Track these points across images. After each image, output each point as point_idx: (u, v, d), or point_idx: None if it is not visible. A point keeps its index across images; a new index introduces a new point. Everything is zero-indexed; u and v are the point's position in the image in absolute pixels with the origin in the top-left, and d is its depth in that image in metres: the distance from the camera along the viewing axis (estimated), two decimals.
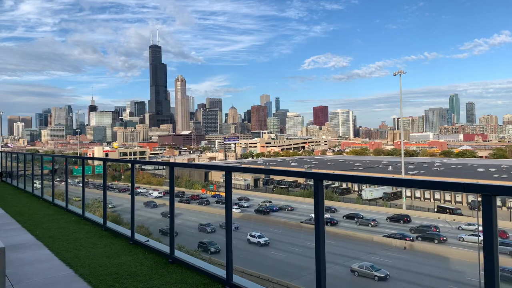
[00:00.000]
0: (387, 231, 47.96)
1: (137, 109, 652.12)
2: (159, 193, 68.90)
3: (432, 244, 42.69)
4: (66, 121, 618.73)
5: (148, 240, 9.78)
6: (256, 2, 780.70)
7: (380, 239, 44.60)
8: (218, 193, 76.54)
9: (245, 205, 64.36)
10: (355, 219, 54.17)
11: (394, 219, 54.22)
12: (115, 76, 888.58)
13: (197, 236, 44.52)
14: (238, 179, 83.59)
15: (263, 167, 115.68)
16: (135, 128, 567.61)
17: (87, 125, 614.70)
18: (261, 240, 42.12)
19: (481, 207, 3.79)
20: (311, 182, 5.93)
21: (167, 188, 72.94)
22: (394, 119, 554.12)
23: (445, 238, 44.23)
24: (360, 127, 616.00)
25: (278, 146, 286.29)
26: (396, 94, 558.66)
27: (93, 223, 12.67)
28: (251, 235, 42.70)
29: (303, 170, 29.15)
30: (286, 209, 61.75)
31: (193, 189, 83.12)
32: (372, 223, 51.75)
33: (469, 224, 50.31)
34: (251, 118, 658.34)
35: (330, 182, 54.83)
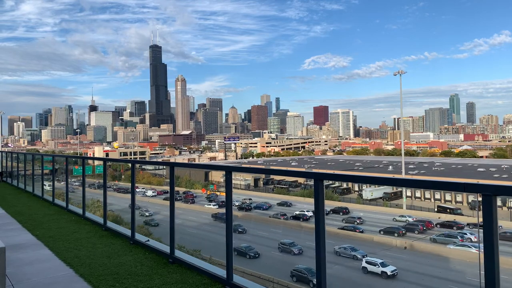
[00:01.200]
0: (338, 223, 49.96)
1: (137, 109, 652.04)
2: (153, 192, 69.29)
3: (431, 244, 42.73)
4: (67, 121, 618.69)
5: (148, 240, 9.78)
6: (256, 2, 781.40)
7: (380, 239, 44.68)
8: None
9: (237, 204, 64.76)
10: (340, 213, 56.94)
11: (336, 211, 58.00)
12: (115, 76, 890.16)
13: (202, 238, 42.06)
14: (239, 179, 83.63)
15: (263, 167, 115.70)
16: (135, 128, 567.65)
17: (87, 125, 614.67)
18: (388, 270, 31.17)
19: (481, 207, 3.79)
20: (312, 182, 5.94)
21: (164, 188, 73.35)
22: (394, 119, 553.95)
23: (404, 232, 46.52)
24: (361, 127, 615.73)
25: (279, 146, 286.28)
26: (396, 94, 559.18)
27: (93, 223, 12.67)
28: (368, 262, 32.58)
29: (303, 170, 29.14)
30: (265, 206, 64.15)
31: (193, 189, 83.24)
32: (358, 221, 52.87)
33: (402, 216, 55.00)
34: (251, 118, 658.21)
35: (331, 182, 55.46)
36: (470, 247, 38.50)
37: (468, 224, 50.62)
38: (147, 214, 46.83)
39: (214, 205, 64.67)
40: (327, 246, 5.34)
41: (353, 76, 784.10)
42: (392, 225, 50.28)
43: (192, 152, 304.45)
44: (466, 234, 44.05)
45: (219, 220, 46.46)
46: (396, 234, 45.85)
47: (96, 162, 21.07)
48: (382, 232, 46.67)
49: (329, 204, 61.24)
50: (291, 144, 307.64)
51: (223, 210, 7.59)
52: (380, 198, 74.59)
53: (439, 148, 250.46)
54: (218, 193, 79.26)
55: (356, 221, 52.44)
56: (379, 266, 31.66)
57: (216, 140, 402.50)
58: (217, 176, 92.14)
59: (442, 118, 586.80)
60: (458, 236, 42.86)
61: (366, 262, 32.69)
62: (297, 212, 56.43)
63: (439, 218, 56.10)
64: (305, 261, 32.49)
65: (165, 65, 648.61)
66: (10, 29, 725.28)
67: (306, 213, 54.68)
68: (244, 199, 67.44)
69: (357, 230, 47.14)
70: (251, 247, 36.98)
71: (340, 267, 33.81)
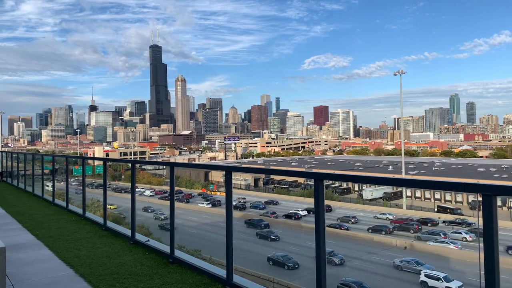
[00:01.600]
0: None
1: (137, 109, 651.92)
2: (151, 191, 69.57)
3: (431, 244, 42.73)
4: (67, 121, 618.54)
5: (148, 240, 9.78)
6: (256, 2, 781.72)
7: (380, 238, 44.66)
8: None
9: (234, 203, 65.22)
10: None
11: None
12: (115, 76, 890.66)
13: (195, 236, 41.64)
14: (239, 179, 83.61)
15: (263, 167, 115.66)
16: (135, 128, 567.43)
17: (87, 125, 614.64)
18: (453, 286, 27.51)
19: (481, 207, 3.79)
20: (312, 182, 5.94)
21: (162, 187, 73.39)
22: (394, 119, 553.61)
23: (391, 230, 47.27)
24: (361, 127, 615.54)
25: (279, 146, 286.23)
26: (396, 94, 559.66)
27: (93, 223, 12.67)
28: (428, 276, 28.91)
29: (303, 170, 29.12)
30: (262, 206, 64.94)
31: (193, 189, 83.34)
32: (353, 220, 53.10)
33: (383, 214, 57.11)
34: (251, 118, 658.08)
35: (331, 182, 55.38)
36: (448, 243, 40.02)
37: (444, 222, 51.79)
38: (162, 217, 45.39)
39: (207, 203, 65.42)
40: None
41: (353, 76, 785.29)
42: (379, 223, 50.82)
43: (192, 152, 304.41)
44: (461, 233, 44.26)
45: (253, 227, 41.80)
46: (383, 232, 46.39)
47: (96, 162, 21.08)
48: (370, 231, 47.23)
49: (383, 211, 61.46)
50: (291, 144, 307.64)
51: (222, 211, 7.56)
52: (380, 198, 74.58)
53: (439, 148, 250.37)
54: (211, 192, 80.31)
55: (351, 220, 52.64)
56: (442, 281, 27.73)
57: (216, 140, 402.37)
58: (217, 176, 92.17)
59: (442, 118, 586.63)
60: (441, 234, 43.91)
61: (426, 275, 29.15)
62: (291, 211, 56.41)
63: (439, 218, 56.06)
64: (350, 273, 28.64)
65: (165, 65, 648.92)
66: (10, 29, 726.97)
67: (299, 212, 54.71)
68: (238, 198, 67.78)
69: (342, 228, 47.62)
70: (289, 257, 32.44)
71: (393, 280, 30.49)
